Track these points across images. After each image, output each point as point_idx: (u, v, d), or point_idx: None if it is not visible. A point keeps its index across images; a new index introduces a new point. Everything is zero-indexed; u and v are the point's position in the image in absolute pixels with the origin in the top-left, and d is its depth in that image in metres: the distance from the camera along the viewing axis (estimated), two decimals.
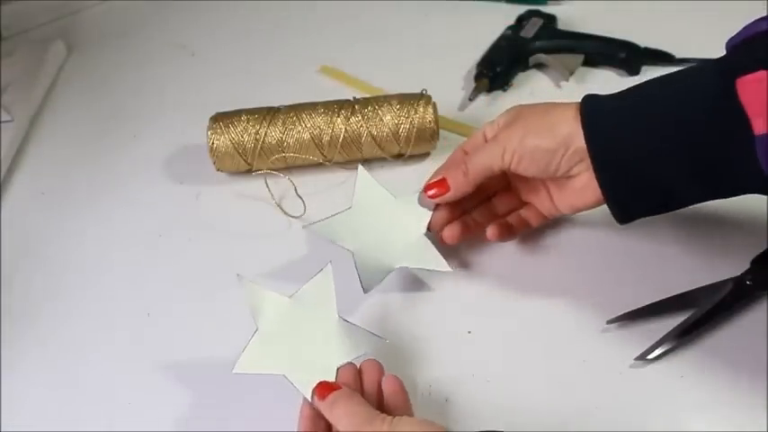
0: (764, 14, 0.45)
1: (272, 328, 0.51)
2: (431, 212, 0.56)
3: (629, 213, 0.50)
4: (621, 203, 0.50)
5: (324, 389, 0.46)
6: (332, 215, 0.57)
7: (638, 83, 0.49)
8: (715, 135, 0.44)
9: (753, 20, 0.46)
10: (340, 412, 0.44)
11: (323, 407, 0.46)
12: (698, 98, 0.45)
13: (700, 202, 0.49)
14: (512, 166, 0.51)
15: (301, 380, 0.48)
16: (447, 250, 0.56)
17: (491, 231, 0.55)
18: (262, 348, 0.51)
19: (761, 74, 0.42)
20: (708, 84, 0.45)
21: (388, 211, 0.57)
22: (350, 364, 0.49)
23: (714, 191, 0.48)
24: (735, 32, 0.47)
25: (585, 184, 0.50)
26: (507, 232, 0.56)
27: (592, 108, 0.49)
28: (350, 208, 0.57)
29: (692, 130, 0.45)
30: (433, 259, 0.55)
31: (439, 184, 0.54)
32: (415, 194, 0.56)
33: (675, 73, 0.48)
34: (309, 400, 0.47)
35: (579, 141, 0.48)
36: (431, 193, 0.54)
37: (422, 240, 0.56)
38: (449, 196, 0.54)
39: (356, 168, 0.58)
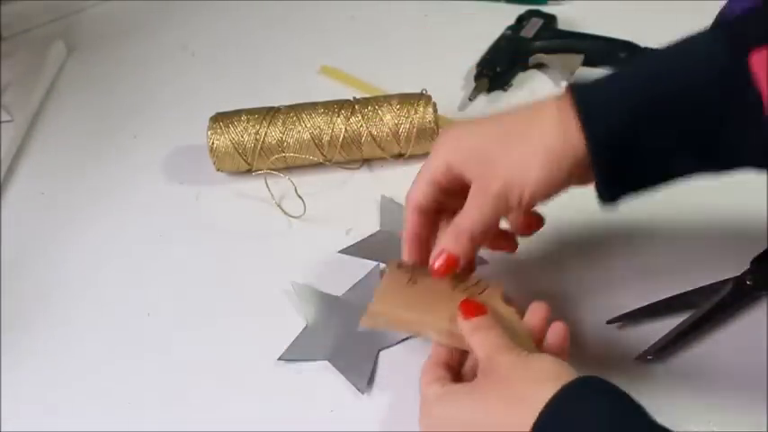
0: None
1: (319, 323, 0.55)
2: None
3: (618, 192, 0.45)
4: (612, 184, 0.44)
5: (471, 308, 0.47)
6: (362, 239, 0.60)
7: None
8: (722, 114, 0.40)
9: None
10: (479, 339, 0.45)
11: (465, 327, 0.46)
12: (702, 73, 0.41)
13: (696, 175, 0.44)
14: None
15: (343, 366, 0.52)
16: None
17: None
18: (307, 340, 0.54)
19: None
20: (715, 57, 0.41)
21: None
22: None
23: (713, 166, 0.44)
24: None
25: None
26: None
27: (594, 132, 0.42)
28: (378, 231, 0.61)
29: (696, 107, 0.41)
30: None
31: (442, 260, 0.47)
32: None
33: (672, 48, 0.43)
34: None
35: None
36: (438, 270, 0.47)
37: None
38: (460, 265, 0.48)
39: (357, 168, 0.59)
